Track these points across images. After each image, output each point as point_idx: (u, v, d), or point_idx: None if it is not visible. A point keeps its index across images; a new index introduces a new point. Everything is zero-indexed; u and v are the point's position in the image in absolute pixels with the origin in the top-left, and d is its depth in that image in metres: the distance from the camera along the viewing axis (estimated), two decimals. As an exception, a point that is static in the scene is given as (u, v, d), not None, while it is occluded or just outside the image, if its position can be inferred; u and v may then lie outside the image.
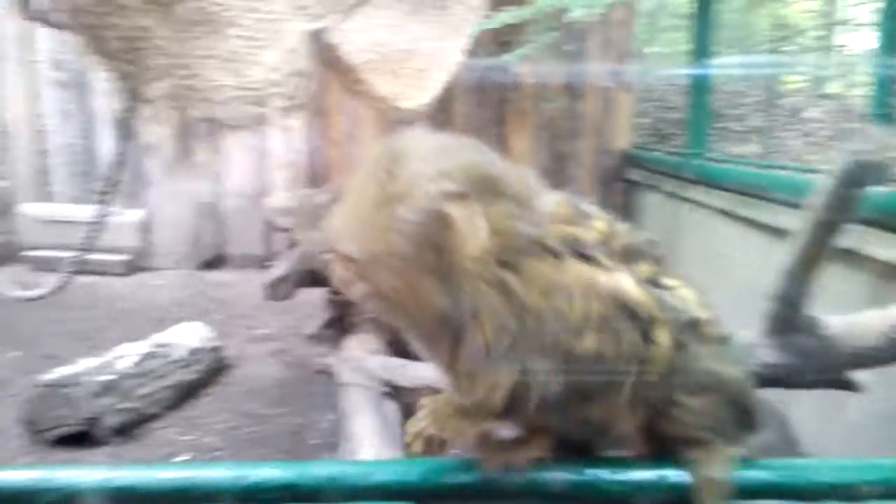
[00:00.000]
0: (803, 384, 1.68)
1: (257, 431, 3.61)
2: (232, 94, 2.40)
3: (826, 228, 1.51)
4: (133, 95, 2.66)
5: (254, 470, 0.94)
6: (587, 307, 0.86)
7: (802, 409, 2.91)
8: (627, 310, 0.88)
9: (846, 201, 1.47)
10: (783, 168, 4.84)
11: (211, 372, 4.18)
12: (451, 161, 0.87)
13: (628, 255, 0.92)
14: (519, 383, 0.86)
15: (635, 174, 6.33)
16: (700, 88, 5.06)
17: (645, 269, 0.92)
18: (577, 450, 0.98)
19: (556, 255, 0.87)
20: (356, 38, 3.35)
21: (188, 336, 4.15)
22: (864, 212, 1.54)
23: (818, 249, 1.53)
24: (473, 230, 0.84)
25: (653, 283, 0.92)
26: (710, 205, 4.41)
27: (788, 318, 1.57)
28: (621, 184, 6.55)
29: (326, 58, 2.96)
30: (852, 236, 2.31)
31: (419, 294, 0.86)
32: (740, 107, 7.43)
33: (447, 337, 0.88)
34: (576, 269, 0.87)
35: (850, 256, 2.65)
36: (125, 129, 2.94)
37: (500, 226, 0.85)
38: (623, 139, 6.65)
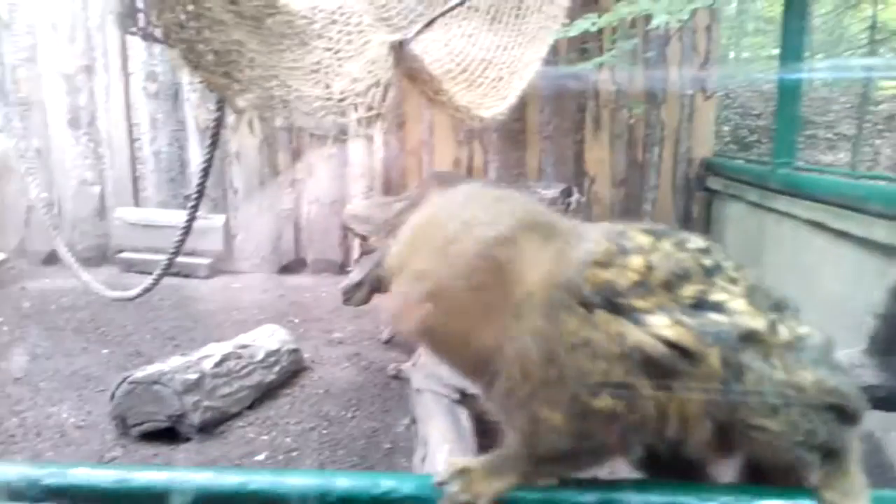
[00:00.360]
0: (906, 408, 1.59)
1: (332, 434, 3.68)
2: (317, 104, 2.46)
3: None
4: (222, 106, 2.76)
5: (380, 480, 0.97)
6: (608, 369, 0.87)
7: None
8: (657, 358, 0.88)
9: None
10: (878, 178, 4.60)
11: (289, 374, 4.28)
12: (505, 208, 0.93)
13: (671, 283, 0.91)
14: (531, 430, 0.90)
15: (717, 183, 6.14)
16: (787, 94, 4.87)
17: (690, 290, 0.91)
18: (681, 469, 0.97)
19: (588, 307, 0.89)
20: (435, 49, 3.38)
21: (268, 338, 4.27)
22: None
23: (925, 266, 1.45)
24: (524, 273, 0.89)
25: (698, 303, 0.91)
26: (798, 216, 4.23)
27: (893, 337, 1.49)
28: (702, 193, 6.37)
29: (407, 68, 2.99)
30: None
31: (468, 332, 0.91)
32: (830, 113, 7.12)
33: (488, 377, 0.92)
34: (604, 324, 0.88)
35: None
36: (213, 137, 3.04)
37: (547, 270, 0.89)
38: (704, 147, 6.48)
